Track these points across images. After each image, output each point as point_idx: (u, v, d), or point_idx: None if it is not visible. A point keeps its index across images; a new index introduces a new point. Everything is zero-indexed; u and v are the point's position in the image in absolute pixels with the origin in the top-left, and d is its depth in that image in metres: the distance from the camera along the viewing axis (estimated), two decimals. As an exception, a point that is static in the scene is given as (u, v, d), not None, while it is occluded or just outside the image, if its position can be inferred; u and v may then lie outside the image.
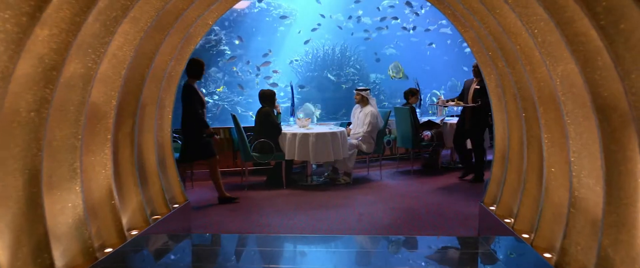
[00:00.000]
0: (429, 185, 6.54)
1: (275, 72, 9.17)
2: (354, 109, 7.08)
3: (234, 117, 6.41)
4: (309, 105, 8.39)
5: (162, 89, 4.31)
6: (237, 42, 8.99)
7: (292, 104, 7.19)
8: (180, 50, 4.33)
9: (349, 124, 7.19)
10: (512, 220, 3.78)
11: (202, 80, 8.87)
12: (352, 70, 9.62)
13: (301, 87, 9.24)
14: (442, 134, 7.50)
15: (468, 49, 10.62)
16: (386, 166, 7.74)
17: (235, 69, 8.95)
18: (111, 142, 3.43)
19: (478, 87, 6.32)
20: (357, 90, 6.81)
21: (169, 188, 4.49)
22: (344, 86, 9.42)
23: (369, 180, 6.91)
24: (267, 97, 6.50)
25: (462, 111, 6.65)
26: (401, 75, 8.52)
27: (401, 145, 7.44)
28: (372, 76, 10.23)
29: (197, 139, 5.50)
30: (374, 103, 6.93)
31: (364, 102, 6.85)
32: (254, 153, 6.34)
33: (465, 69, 10.32)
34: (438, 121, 7.35)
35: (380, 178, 7.06)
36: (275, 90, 6.63)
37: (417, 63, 10.00)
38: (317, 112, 6.77)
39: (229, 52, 9.15)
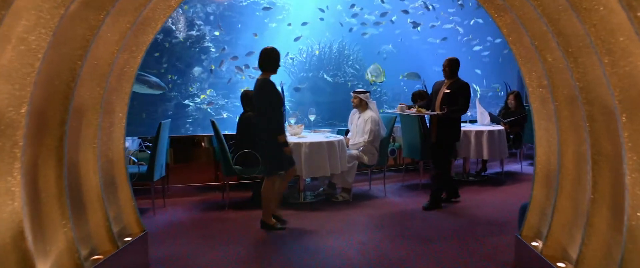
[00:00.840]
0: (444, 204, 5.58)
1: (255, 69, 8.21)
2: (351, 114, 6.12)
3: (213, 124, 5.44)
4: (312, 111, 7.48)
5: (109, 89, 3.34)
6: (216, 33, 8.02)
7: (283, 109, 6.24)
8: (131, 38, 3.36)
9: (347, 132, 6.24)
10: (569, 266, 2.83)
11: (193, 79, 7.93)
12: (351, 70, 8.67)
13: (296, 89, 8.26)
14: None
15: (478, 47, 9.68)
16: (390, 179, 6.79)
17: (214, 67, 7.97)
18: (22, 162, 2.45)
19: (448, 90, 5.22)
20: (354, 93, 5.87)
21: (119, 217, 3.51)
22: (349, 84, 8.46)
23: (372, 197, 5.95)
24: (249, 100, 5.53)
25: (429, 121, 5.59)
26: (382, 79, 7.53)
27: (407, 155, 6.48)
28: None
29: (277, 147, 4.50)
30: (375, 107, 5.95)
31: (362, 106, 5.89)
32: (236, 167, 5.37)
33: (478, 71, 9.40)
34: (450, 128, 6.40)
35: (384, 194, 6.10)
36: None
37: (424, 63, 9.07)
38: (312, 117, 5.78)
39: (213, 49, 8.18)
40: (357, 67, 8.93)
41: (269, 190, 4.59)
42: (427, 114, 5.27)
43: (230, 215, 5.26)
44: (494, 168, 7.59)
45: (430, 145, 5.56)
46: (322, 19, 8.61)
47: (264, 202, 4.63)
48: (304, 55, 8.56)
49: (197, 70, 8.36)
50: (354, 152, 5.81)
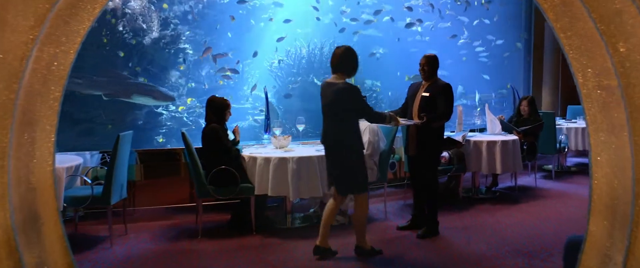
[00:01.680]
0: (451, 228, 4.77)
1: (234, 72, 7.37)
2: None
3: (183, 136, 4.60)
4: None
5: (27, 93, 2.49)
6: (190, 17, 7.17)
7: (267, 117, 5.40)
8: (58, 25, 2.52)
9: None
10: None
11: (169, 85, 7.06)
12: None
13: (287, 96, 7.42)
14: (464, 154, 5.75)
15: (480, 48, 8.94)
16: (391, 196, 5.96)
17: (183, 67, 7.13)
18: None
19: (427, 93, 4.44)
20: None
21: (44, 256, 2.65)
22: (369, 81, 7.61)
23: (371, 219, 5.12)
24: (216, 109, 4.70)
25: (406, 132, 4.74)
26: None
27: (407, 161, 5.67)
28: (368, 82, 8.50)
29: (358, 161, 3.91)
30: None
31: (358, 114, 5.07)
32: (211, 186, 4.53)
33: (487, 77, 8.62)
34: (458, 138, 5.59)
35: (384, 215, 5.28)
36: (229, 101, 4.85)
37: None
38: (301, 127, 4.95)
39: (191, 51, 7.33)
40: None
41: (366, 208, 4.02)
42: (401, 124, 4.37)
43: (203, 245, 4.40)
44: (505, 182, 6.80)
45: (409, 159, 4.75)
46: (318, 19, 7.79)
47: (360, 223, 4.01)
48: (293, 57, 7.73)
49: (174, 74, 7.51)
50: (350, 167, 4.99)
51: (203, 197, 4.59)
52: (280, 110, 7.39)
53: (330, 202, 4.00)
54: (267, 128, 5.32)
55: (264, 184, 4.56)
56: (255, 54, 7.46)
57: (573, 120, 8.08)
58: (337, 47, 3.91)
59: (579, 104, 9.20)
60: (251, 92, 7.40)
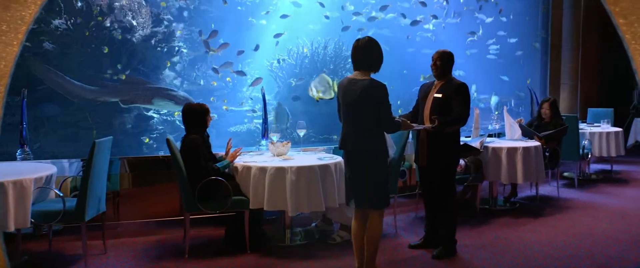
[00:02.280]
0: (469, 245, 4.25)
1: (240, 74, 6.86)
2: None
3: (168, 143, 4.09)
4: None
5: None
6: (185, 13, 6.68)
7: (264, 121, 4.90)
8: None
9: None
10: None
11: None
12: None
13: (295, 98, 6.91)
14: (482, 162, 5.22)
15: (494, 46, 8.39)
16: (401, 208, 5.44)
17: (169, 64, 6.66)
18: None
19: (440, 94, 3.91)
20: None
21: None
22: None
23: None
24: (194, 117, 4.20)
25: (417, 138, 4.16)
26: (332, 95, 6.15)
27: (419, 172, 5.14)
28: (375, 83, 7.92)
29: (387, 170, 3.48)
30: None
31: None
32: (201, 200, 4.03)
33: (505, 77, 8.08)
34: (476, 144, 5.05)
35: (394, 230, 4.76)
36: (207, 105, 4.32)
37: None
38: (302, 133, 4.43)
39: (185, 51, 6.84)
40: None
41: (381, 227, 3.49)
42: (412, 128, 3.87)
43: (190, 266, 3.89)
44: (523, 191, 6.27)
45: (420, 170, 4.21)
46: (327, 17, 7.27)
47: (373, 245, 3.44)
48: (294, 56, 7.23)
49: (168, 75, 7.03)
50: (356, 177, 4.47)
51: (191, 211, 4.09)
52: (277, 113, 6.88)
53: (354, 224, 3.48)
54: (265, 133, 4.81)
55: (259, 197, 4.05)
56: (257, 48, 6.93)
57: (596, 124, 7.52)
58: (358, 40, 3.41)
59: (600, 106, 8.74)
60: (252, 85, 6.84)
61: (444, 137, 3.89)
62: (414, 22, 7.67)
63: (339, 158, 4.31)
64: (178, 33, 6.67)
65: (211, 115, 4.27)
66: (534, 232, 4.66)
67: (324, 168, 4.09)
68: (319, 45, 7.25)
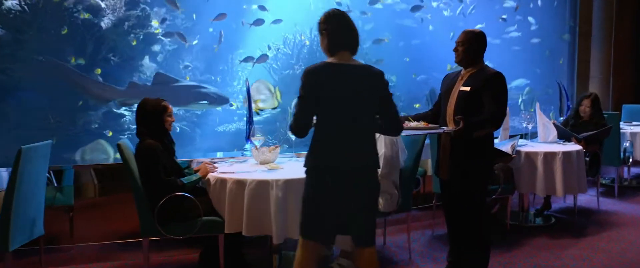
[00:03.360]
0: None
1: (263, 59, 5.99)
2: None
3: (120, 149, 3.21)
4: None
5: None
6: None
7: (249, 121, 4.02)
8: None
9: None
10: None
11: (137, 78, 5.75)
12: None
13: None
14: (512, 171, 4.32)
15: (515, 33, 7.47)
16: (416, 223, 4.57)
17: (135, 42, 5.81)
18: None
19: (467, 88, 3.02)
20: None
21: None
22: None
23: (389, 262, 3.74)
24: (147, 117, 3.30)
25: (437, 144, 3.29)
26: (275, 104, 5.23)
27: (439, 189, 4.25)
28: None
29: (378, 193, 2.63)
30: None
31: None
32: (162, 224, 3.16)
33: (538, 71, 7.15)
34: (506, 148, 4.13)
35: (408, 255, 3.87)
36: (166, 103, 3.40)
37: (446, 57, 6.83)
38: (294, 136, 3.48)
39: (167, 39, 5.95)
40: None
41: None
42: (426, 132, 2.99)
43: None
44: (557, 202, 5.36)
45: (441, 184, 3.30)
46: (339, 3, 6.35)
47: None
48: (290, 46, 6.34)
49: (149, 66, 6.14)
50: (361, 191, 3.59)
51: (148, 237, 3.21)
52: (265, 112, 5.98)
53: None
54: (249, 134, 3.92)
55: (236, 218, 3.17)
56: (259, 22, 5.95)
57: (635, 123, 6.59)
58: (337, 11, 2.49)
59: (636, 102, 7.79)
60: (257, 62, 5.93)
61: (473, 143, 3.00)
62: (415, 8, 6.77)
63: (339, 168, 3.42)
64: (155, 24, 5.78)
65: (170, 116, 3.36)
66: (581, 260, 3.76)
67: (320, 181, 3.20)
68: (316, 35, 6.34)
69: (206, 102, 5.58)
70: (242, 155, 4.14)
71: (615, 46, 7.96)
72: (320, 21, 2.47)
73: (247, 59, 6.01)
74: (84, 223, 4.19)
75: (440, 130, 2.89)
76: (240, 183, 3.15)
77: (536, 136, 4.98)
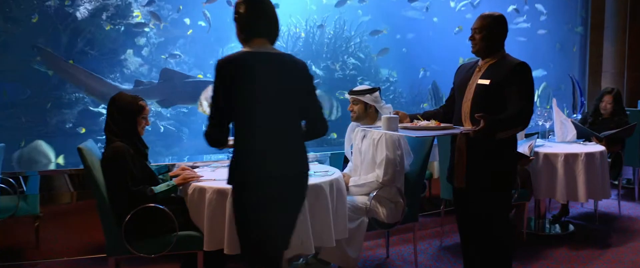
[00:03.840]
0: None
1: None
2: (349, 131, 3.47)
3: (80, 153, 2.77)
4: None
5: None
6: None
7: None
8: None
9: (345, 161, 3.61)
10: None
11: (121, 73, 5.31)
12: (352, 61, 6.10)
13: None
14: (530, 175, 3.89)
15: (524, 25, 7.03)
16: (422, 231, 4.15)
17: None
18: None
19: (487, 80, 2.57)
20: (353, 93, 3.24)
21: None
22: (349, 78, 5.79)
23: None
24: (120, 115, 2.83)
25: (452, 144, 2.80)
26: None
27: (449, 196, 3.82)
28: (384, 72, 6.68)
29: None
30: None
31: (369, 116, 3.23)
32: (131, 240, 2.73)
33: (549, 66, 6.74)
34: (523, 149, 3.70)
35: (414, 269, 3.45)
36: (143, 101, 2.95)
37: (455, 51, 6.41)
38: None
39: (148, 29, 5.52)
40: (362, 56, 6.30)
41: None
42: (440, 133, 2.53)
43: None
44: (575, 207, 4.94)
45: (455, 193, 2.85)
46: None
47: None
48: (285, 37, 5.91)
49: (133, 61, 5.71)
50: (360, 199, 3.16)
51: (115, 255, 2.78)
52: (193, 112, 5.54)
53: None
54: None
55: (216, 234, 2.73)
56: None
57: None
58: None
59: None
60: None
61: (494, 145, 2.56)
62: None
63: (335, 173, 2.99)
64: (138, 14, 5.33)
65: (145, 118, 2.92)
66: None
67: (315, 191, 2.77)
68: (314, 24, 5.92)
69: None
70: (229, 159, 3.69)
71: (630, 38, 7.51)
72: (234, 7, 2.14)
73: None
74: (52, 235, 3.76)
75: (457, 131, 2.44)
76: (221, 193, 2.71)
77: (551, 135, 4.54)
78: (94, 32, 5.06)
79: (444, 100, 3.09)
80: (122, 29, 5.32)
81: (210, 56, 5.91)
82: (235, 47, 6.04)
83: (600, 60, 7.68)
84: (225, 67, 2.02)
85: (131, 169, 2.70)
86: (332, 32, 5.91)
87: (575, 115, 5.85)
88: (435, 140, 3.55)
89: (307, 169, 2.22)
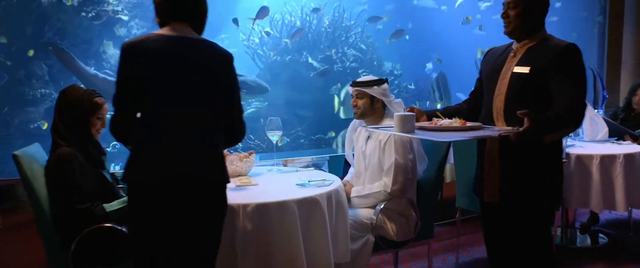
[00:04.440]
0: None
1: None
2: (351, 129, 2.93)
3: (16, 161, 2.23)
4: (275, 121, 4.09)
5: None
6: None
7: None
8: None
9: (346, 166, 3.08)
10: None
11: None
12: (353, 52, 5.56)
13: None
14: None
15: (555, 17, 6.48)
16: (437, 243, 3.60)
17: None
18: None
19: (525, 68, 2.02)
20: (355, 85, 2.71)
21: None
22: (349, 71, 5.27)
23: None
24: (70, 111, 2.30)
25: (479, 148, 2.25)
26: None
27: (465, 205, 3.29)
28: (388, 65, 6.14)
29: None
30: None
31: (375, 113, 2.67)
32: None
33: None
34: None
35: (428, 296, 2.92)
36: (100, 98, 2.40)
37: (464, 42, 5.87)
38: (276, 136, 2.55)
39: (126, 17, 4.97)
40: (363, 47, 5.76)
41: None
42: (473, 135, 1.95)
43: None
44: (604, 213, 4.41)
45: (484, 207, 2.31)
46: None
47: None
48: (278, 27, 5.37)
49: (114, 54, 5.15)
50: (365, 214, 2.62)
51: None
52: (260, 105, 5.01)
53: None
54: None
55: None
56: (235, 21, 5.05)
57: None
58: None
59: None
60: (257, 18, 4.96)
61: (536, 151, 2.04)
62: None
63: (335, 182, 2.46)
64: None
65: (100, 118, 2.39)
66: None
67: (309, 204, 2.24)
68: (310, 11, 5.37)
69: (245, 91, 4.76)
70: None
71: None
72: None
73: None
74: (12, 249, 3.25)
75: (494, 133, 1.89)
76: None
77: (581, 134, 4.02)
78: (64, 20, 4.50)
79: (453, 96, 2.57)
80: (98, 16, 4.76)
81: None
82: (226, 38, 5.58)
83: (619, 51, 7.15)
84: (132, 50, 1.70)
85: (78, 182, 2.17)
86: (327, 22, 5.36)
87: (597, 111, 5.33)
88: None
89: (225, 180, 1.83)
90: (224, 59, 1.84)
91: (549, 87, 1.98)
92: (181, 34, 1.76)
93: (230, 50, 1.94)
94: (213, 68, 1.79)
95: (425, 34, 6.16)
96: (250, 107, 5.34)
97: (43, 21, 4.37)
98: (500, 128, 1.98)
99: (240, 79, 4.53)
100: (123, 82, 1.72)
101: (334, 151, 4.26)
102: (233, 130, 1.88)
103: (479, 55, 5.45)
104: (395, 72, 6.07)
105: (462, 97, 5.69)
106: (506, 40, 2.20)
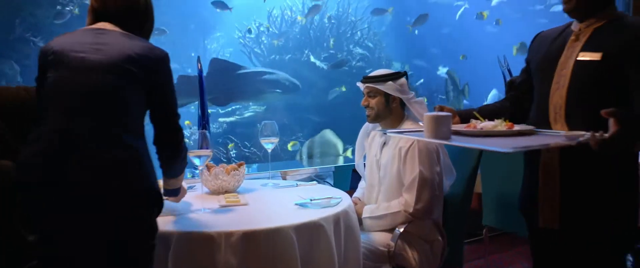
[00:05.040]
0: None
1: None
2: (362, 135, 2.44)
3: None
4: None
5: None
6: None
7: (201, 124, 2.55)
8: None
9: (356, 179, 2.58)
10: None
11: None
12: (359, 50, 5.14)
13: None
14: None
15: (557, 8, 6.03)
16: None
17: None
18: None
19: (596, 54, 1.55)
20: (367, 79, 2.23)
21: None
22: (355, 71, 4.86)
23: None
24: (8, 120, 1.82)
25: (529, 159, 1.78)
26: None
27: (495, 223, 2.81)
28: (397, 65, 5.68)
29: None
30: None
31: (393, 113, 2.18)
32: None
33: None
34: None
35: None
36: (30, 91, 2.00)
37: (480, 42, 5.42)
38: (271, 144, 2.05)
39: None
40: (370, 45, 5.33)
41: None
42: (536, 144, 1.38)
43: None
44: None
45: (535, 235, 1.81)
46: None
47: None
48: (278, 22, 4.93)
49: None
50: (380, 239, 2.13)
51: None
52: (253, 109, 4.56)
53: None
54: (202, 146, 2.46)
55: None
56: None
57: None
58: None
59: None
60: None
61: (607, 163, 1.55)
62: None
63: (343, 201, 1.96)
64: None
65: None
66: None
67: (311, 231, 1.75)
68: (311, 6, 4.92)
69: (279, 90, 4.62)
70: (193, 177, 2.67)
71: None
72: None
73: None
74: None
75: (570, 140, 1.37)
76: (163, 240, 1.69)
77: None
78: (38, 15, 4.09)
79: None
80: (76, 11, 4.34)
81: (190, 47, 4.96)
82: (220, 36, 5.15)
83: None
84: (48, 46, 1.55)
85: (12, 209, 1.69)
86: (329, 15, 4.92)
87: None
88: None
89: (122, 157, 1.53)
90: (156, 53, 1.66)
91: (623, 79, 1.50)
92: (104, 27, 1.61)
93: (228, 50, 1.58)
94: (138, 59, 1.59)
95: (438, 29, 5.72)
96: (247, 111, 4.90)
97: (14, 15, 3.97)
98: (565, 133, 1.49)
99: (272, 77, 4.24)
100: (39, 75, 1.61)
101: (346, 159, 3.74)
102: (160, 135, 1.67)
103: (515, 53, 5.00)
104: (410, 73, 5.61)
105: (480, 97, 5.23)
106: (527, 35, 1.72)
